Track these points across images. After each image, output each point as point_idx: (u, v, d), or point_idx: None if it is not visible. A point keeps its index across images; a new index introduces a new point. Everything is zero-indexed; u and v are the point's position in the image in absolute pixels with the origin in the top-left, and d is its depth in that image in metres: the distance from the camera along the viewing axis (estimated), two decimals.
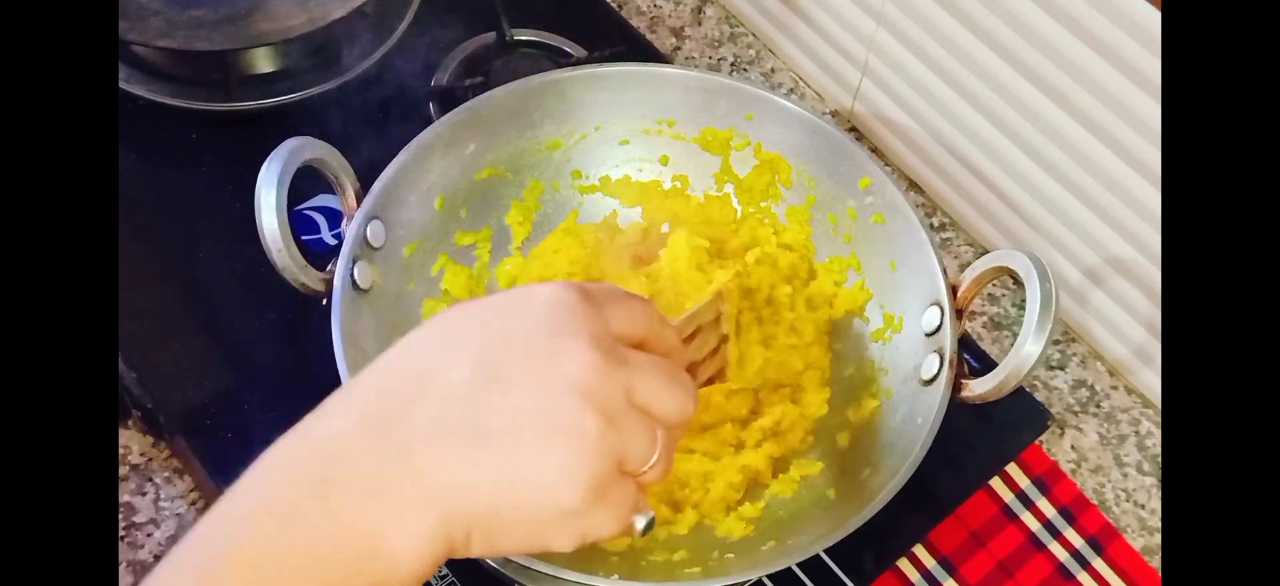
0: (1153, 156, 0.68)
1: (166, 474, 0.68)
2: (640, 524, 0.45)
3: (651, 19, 0.93)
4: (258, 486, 0.41)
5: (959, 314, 0.65)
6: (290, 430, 0.42)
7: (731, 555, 0.62)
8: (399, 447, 0.40)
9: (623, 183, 0.76)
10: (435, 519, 0.40)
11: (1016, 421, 0.74)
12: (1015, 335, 0.61)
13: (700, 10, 0.95)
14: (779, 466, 0.67)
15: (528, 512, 0.41)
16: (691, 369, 0.53)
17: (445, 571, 0.65)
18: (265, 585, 0.39)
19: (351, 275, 0.64)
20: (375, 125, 0.82)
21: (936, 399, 0.62)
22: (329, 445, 0.41)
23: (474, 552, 0.42)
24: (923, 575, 0.68)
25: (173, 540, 0.66)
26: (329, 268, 0.64)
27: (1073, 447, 0.75)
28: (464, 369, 0.41)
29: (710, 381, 0.56)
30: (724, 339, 0.58)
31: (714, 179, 0.76)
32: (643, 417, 0.43)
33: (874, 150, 0.87)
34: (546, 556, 0.56)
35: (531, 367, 0.41)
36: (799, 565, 0.65)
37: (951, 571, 0.69)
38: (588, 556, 0.61)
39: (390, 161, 0.67)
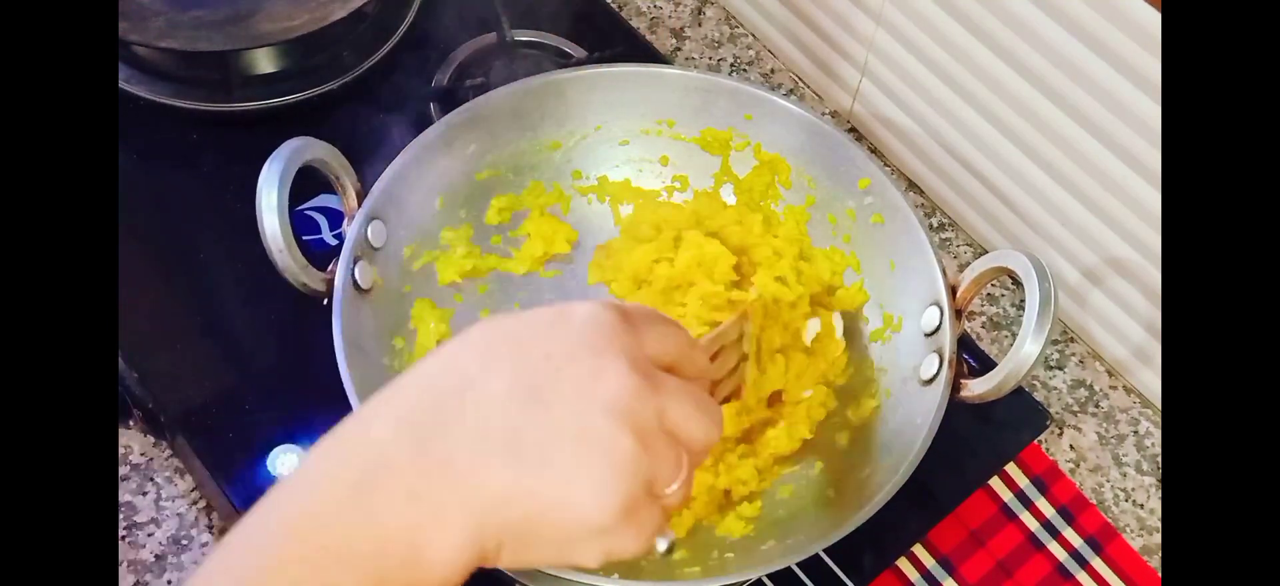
0: (1152, 157, 0.68)
1: (167, 473, 0.68)
2: (662, 545, 0.46)
3: (651, 20, 0.93)
4: (299, 491, 0.42)
5: (958, 314, 0.65)
6: (328, 436, 0.42)
7: (731, 554, 0.62)
8: (440, 458, 0.41)
9: (623, 186, 0.76)
10: (472, 528, 0.41)
11: (1015, 421, 0.74)
12: (1014, 335, 0.61)
13: (700, 11, 0.95)
14: (767, 475, 0.67)
15: (558, 527, 0.42)
16: (711, 387, 0.53)
17: None
18: None
19: (352, 275, 0.64)
20: (376, 125, 0.82)
21: (936, 399, 0.62)
22: (371, 452, 0.41)
23: (503, 563, 0.43)
24: (922, 574, 0.68)
25: (173, 539, 0.66)
26: (330, 268, 0.64)
27: (1072, 447, 0.75)
28: (503, 382, 0.42)
29: (727, 399, 0.57)
30: (743, 358, 0.58)
31: (713, 179, 0.76)
32: (673, 442, 0.44)
33: (873, 150, 0.87)
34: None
35: (570, 386, 0.42)
36: (799, 564, 0.65)
37: (951, 571, 0.69)
38: None
39: (391, 162, 0.67)
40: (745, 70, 0.91)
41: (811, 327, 0.71)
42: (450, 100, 0.79)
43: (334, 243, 0.76)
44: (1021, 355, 0.59)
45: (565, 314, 0.44)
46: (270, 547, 0.40)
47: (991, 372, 0.61)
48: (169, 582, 0.65)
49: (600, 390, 0.42)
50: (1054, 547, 0.70)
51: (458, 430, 0.41)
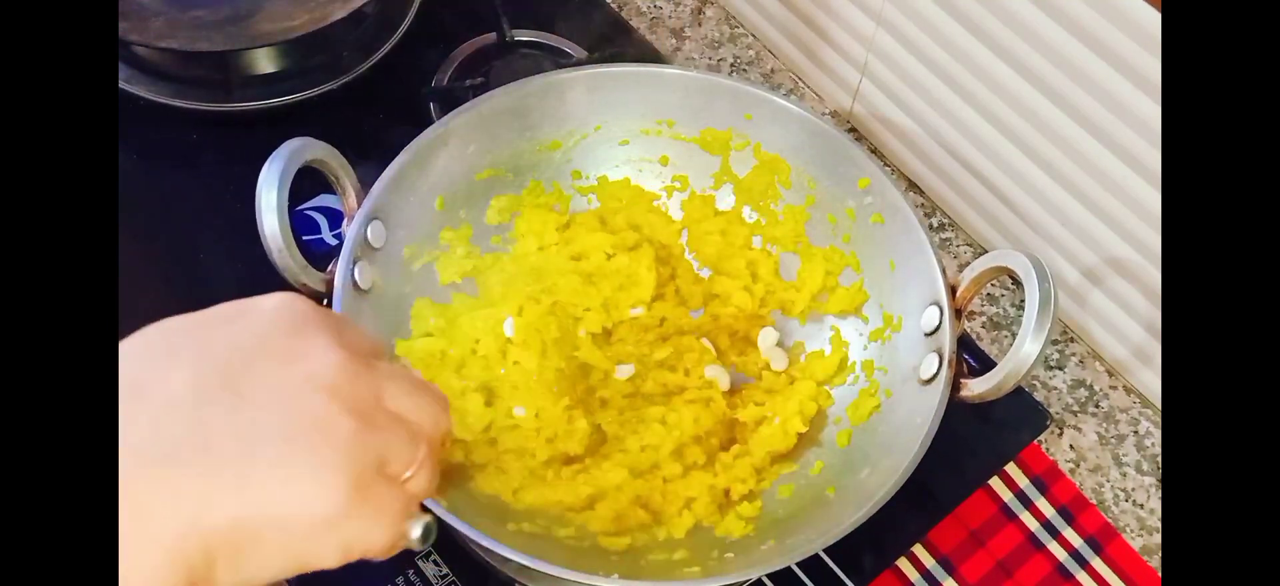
0: (1152, 157, 0.68)
1: None
2: (416, 531, 0.41)
3: (651, 20, 0.93)
4: None
5: (958, 314, 0.65)
6: None
7: (731, 554, 0.62)
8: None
9: (622, 185, 0.76)
10: (163, 557, 0.35)
11: (1015, 421, 0.74)
12: (1014, 335, 0.61)
13: (700, 11, 0.95)
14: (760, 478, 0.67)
15: (278, 528, 0.36)
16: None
17: (445, 570, 0.66)
18: None
19: (352, 275, 0.64)
20: (376, 125, 0.82)
21: (936, 398, 0.62)
22: None
23: (222, 583, 0.37)
24: (922, 574, 0.68)
25: None
26: (329, 268, 0.64)
27: (1072, 447, 0.75)
28: (183, 376, 0.37)
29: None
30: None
31: (713, 178, 0.76)
32: (399, 421, 0.40)
33: (873, 150, 0.87)
34: (545, 556, 0.57)
35: (268, 370, 0.37)
36: (799, 564, 0.65)
37: (951, 570, 0.69)
38: (587, 555, 0.61)
39: (391, 162, 0.67)
40: (745, 70, 0.91)
41: (766, 337, 0.71)
42: (450, 100, 0.79)
43: (334, 243, 0.76)
44: (1021, 355, 0.59)
45: (250, 305, 0.40)
46: None
47: (991, 372, 0.61)
48: None
49: (305, 368, 0.37)
50: (1054, 547, 0.70)
51: (129, 439, 0.36)
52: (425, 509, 0.43)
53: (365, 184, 0.66)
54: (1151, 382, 0.76)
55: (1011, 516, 0.71)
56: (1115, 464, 0.74)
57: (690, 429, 0.66)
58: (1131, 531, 0.72)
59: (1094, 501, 0.72)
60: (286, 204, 0.60)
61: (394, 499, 0.39)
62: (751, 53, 0.93)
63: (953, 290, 0.65)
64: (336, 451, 0.37)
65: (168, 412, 0.36)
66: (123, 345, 0.39)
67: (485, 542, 0.56)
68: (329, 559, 0.38)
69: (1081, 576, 0.69)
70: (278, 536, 0.37)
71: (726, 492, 0.65)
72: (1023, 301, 0.61)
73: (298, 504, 0.36)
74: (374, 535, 0.39)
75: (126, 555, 0.35)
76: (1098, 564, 0.70)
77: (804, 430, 0.67)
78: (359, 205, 0.65)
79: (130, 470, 0.35)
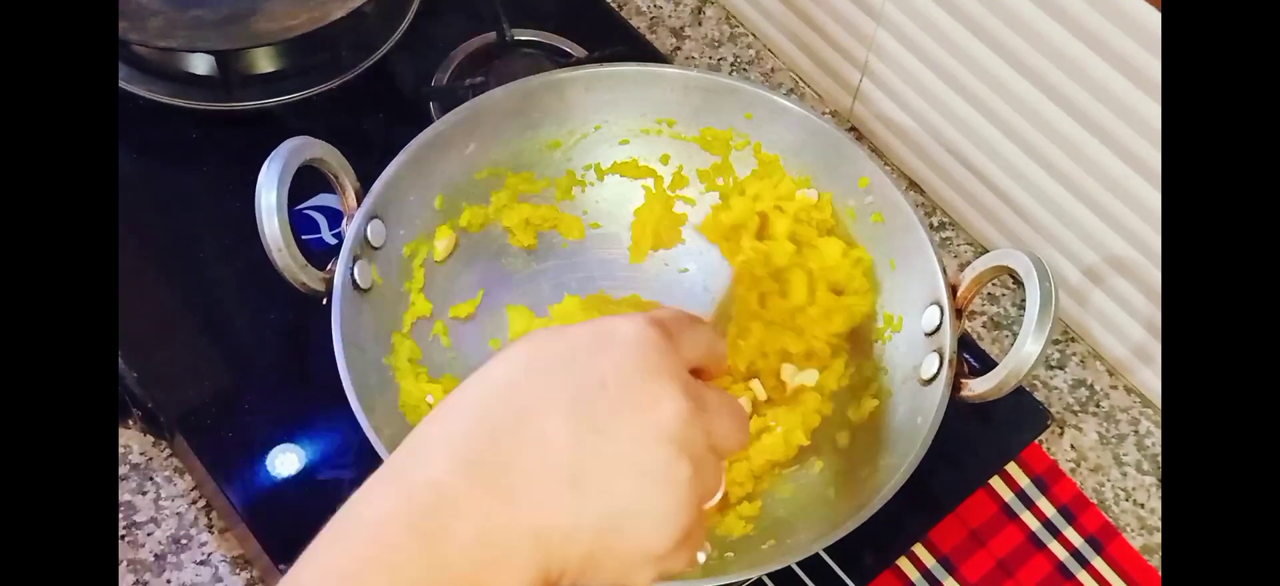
0: (1153, 156, 0.68)
1: (167, 473, 0.68)
2: (702, 557, 0.47)
3: (651, 19, 0.93)
4: (358, 535, 0.40)
5: (959, 313, 0.65)
6: (382, 472, 0.41)
7: (731, 554, 0.62)
8: (504, 495, 0.40)
9: (630, 164, 0.76)
10: (538, 562, 0.41)
11: (1016, 421, 0.74)
12: (1015, 334, 0.61)
13: (700, 10, 0.95)
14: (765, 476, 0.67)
15: (621, 556, 0.42)
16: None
17: None
18: None
19: (352, 274, 0.64)
20: (375, 125, 0.82)
21: (936, 398, 0.62)
22: (432, 493, 0.40)
23: None
24: (922, 574, 0.68)
25: (173, 539, 0.66)
26: (329, 267, 0.64)
27: (1072, 447, 0.75)
28: (561, 413, 0.42)
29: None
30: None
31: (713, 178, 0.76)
32: (716, 457, 0.44)
33: (874, 150, 0.87)
34: None
35: (627, 415, 0.42)
36: (799, 564, 0.65)
37: (951, 570, 0.69)
38: None
39: (390, 161, 0.67)
40: (745, 70, 0.91)
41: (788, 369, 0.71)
42: (450, 99, 0.79)
43: (333, 242, 0.76)
44: (1022, 354, 0.59)
45: (609, 333, 0.44)
46: None
47: (992, 372, 0.61)
48: (168, 582, 0.65)
49: (656, 419, 0.42)
50: (1054, 547, 0.70)
51: (520, 465, 0.41)
52: None
53: (365, 183, 0.66)
54: (1152, 382, 0.76)
55: (1012, 516, 0.71)
56: (1116, 463, 0.74)
57: None
58: (1132, 531, 0.72)
59: (1094, 501, 0.72)
60: (286, 203, 0.60)
61: (702, 533, 0.45)
62: (751, 52, 0.92)
63: (953, 289, 0.65)
64: (676, 502, 0.42)
65: (549, 443, 0.41)
66: (505, 364, 0.43)
67: None
68: (646, 582, 0.43)
69: (1082, 576, 0.69)
70: (618, 563, 0.42)
71: (724, 495, 0.65)
72: (1023, 301, 0.61)
73: (641, 541, 0.42)
74: (680, 564, 0.44)
75: (511, 561, 0.40)
76: (1098, 563, 0.70)
77: (806, 443, 0.67)
78: (358, 204, 0.65)
79: (521, 493, 0.40)
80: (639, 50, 0.88)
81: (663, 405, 0.42)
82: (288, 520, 0.62)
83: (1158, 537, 0.71)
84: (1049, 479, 0.72)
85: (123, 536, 0.66)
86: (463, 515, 0.40)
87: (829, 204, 0.72)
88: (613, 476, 0.41)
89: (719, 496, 0.45)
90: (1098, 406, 0.77)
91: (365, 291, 0.65)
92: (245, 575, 0.65)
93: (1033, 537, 0.70)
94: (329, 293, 0.63)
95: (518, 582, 0.40)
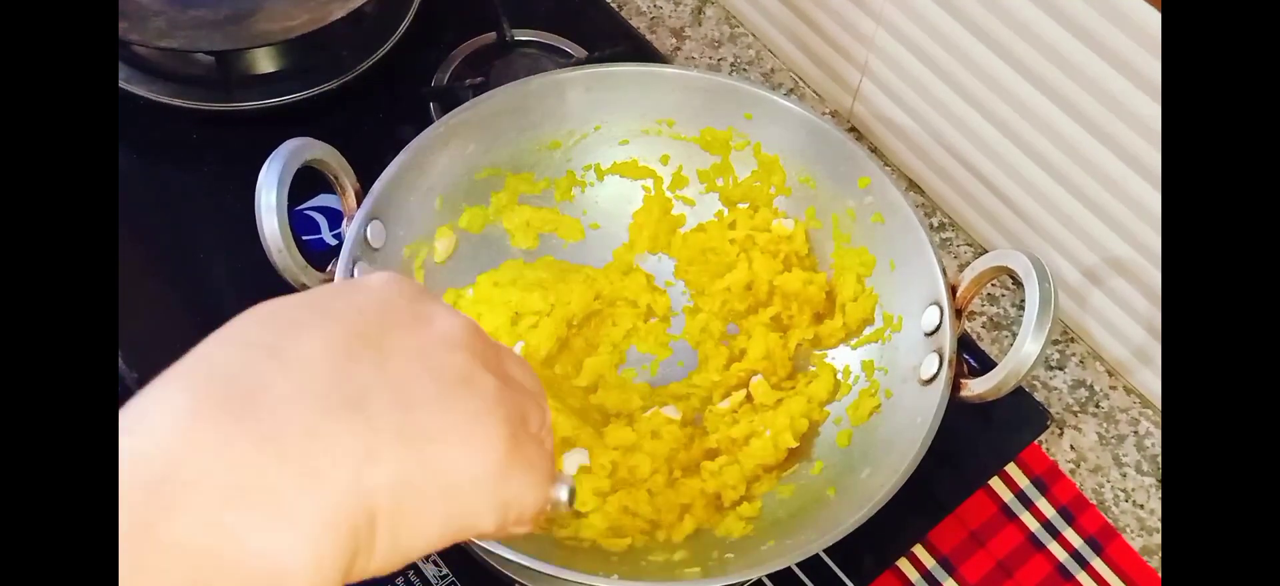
0: (1152, 156, 0.68)
1: None
2: (563, 493, 0.40)
3: (651, 19, 0.93)
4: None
5: (958, 314, 0.65)
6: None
7: (731, 555, 0.62)
8: (261, 436, 0.32)
9: (630, 165, 0.76)
10: (328, 515, 0.32)
11: (1016, 421, 0.74)
12: (1014, 335, 0.61)
13: (700, 10, 0.95)
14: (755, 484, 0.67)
15: (441, 484, 0.34)
16: None
17: (445, 571, 0.66)
18: None
19: (352, 275, 0.64)
20: (375, 125, 0.82)
21: (936, 399, 0.62)
22: (159, 452, 0.31)
23: (378, 555, 0.34)
24: (922, 575, 0.68)
25: None
26: (329, 268, 0.64)
27: (1072, 447, 0.75)
28: (317, 340, 0.34)
29: None
30: None
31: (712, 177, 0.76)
32: (520, 382, 0.39)
33: (874, 150, 0.87)
34: (544, 556, 0.56)
35: (401, 332, 0.36)
36: (799, 565, 0.65)
37: (951, 571, 0.69)
38: (587, 556, 0.61)
39: (390, 161, 0.67)
40: (745, 70, 0.91)
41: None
42: (450, 100, 0.79)
43: (333, 243, 0.76)
44: (1022, 355, 0.59)
45: (357, 282, 0.39)
46: None
47: (992, 372, 0.61)
48: None
49: (437, 329, 0.36)
50: (1054, 548, 0.70)
51: (276, 395, 0.32)
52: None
53: (365, 184, 0.66)
54: (1151, 382, 0.76)
55: (1012, 516, 0.71)
56: (1115, 464, 0.74)
57: (646, 465, 0.66)
58: (1131, 531, 0.72)
59: (1094, 501, 0.72)
60: (286, 204, 0.60)
61: (541, 456, 0.38)
62: (751, 52, 0.93)
63: (953, 290, 0.65)
64: (488, 404, 0.36)
65: (311, 372, 0.33)
66: (237, 321, 0.36)
67: (485, 543, 0.56)
68: (487, 520, 0.36)
69: (1082, 576, 0.69)
70: (440, 493, 0.35)
71: (717, 497, 0.65)
72: (1023, 301, 0.61)
73: (460, 456, 0.35)
74: (529, 494, 0.37)
75: (289, 518, 0.31)
76: (1098, 564, 0.70)
77: (794, 445, 0.67)
78: (358, 205, 0.65)
79: (286, 429, 0.32)
80: (639, 51, 0.88)
81: (438, 319, 0.37)
82: None
83: (1157, 538, 0.71)
84: (1048, 479, 0.72)
85: None
86: (205, 469, 0.31)
87: (802, 234, 0.73)
88: (403, 388, 0.34)
89: (545, 428, 0.39)
90: (1097, 407, 0.77)
91: None
92: None
93: (1032, 538, 0.70)
94: None
95: (307, 540, 0.32)
